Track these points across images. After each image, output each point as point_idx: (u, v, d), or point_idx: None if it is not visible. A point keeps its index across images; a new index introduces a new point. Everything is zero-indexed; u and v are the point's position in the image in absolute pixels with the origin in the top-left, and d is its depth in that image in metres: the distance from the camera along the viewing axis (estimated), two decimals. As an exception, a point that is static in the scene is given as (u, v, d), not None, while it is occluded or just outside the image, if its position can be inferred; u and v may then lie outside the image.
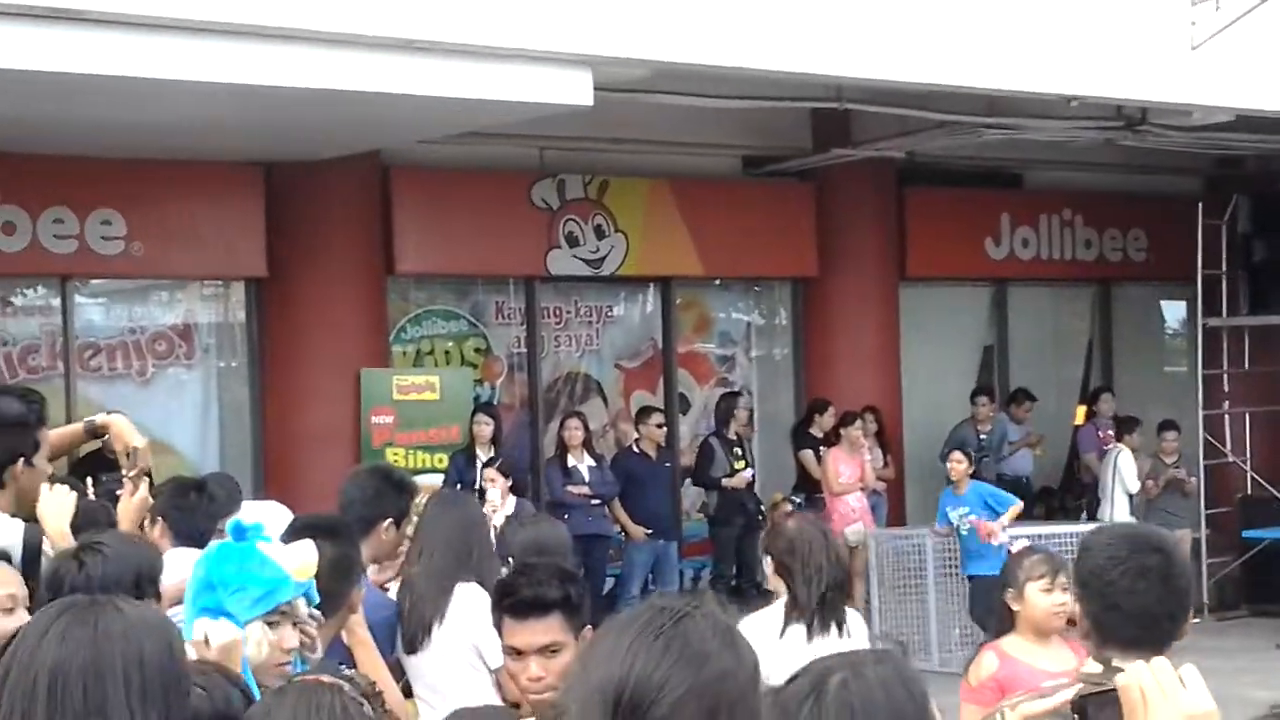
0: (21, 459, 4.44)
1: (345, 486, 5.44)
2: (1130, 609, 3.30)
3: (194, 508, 5.25)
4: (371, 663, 4.40)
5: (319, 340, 12.28)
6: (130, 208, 11.70)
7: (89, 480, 5.33)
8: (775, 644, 4.96)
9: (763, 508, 13.53)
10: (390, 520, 5.31)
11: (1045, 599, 5.31)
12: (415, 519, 5.63)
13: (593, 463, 12.82)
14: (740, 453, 13.59)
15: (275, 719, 2.52)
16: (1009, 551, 5.73)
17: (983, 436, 14.91)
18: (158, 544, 5.03)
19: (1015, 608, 5.36)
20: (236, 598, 3.42)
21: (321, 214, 12.12)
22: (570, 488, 12.55)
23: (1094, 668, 3.34)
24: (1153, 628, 3.32)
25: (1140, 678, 1.89)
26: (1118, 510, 14.07)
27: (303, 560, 3.53)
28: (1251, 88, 11.85)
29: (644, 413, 13.44)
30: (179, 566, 4.15)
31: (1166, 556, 3.37)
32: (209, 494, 5.36)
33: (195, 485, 5.48)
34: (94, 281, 12.37)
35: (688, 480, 14.11)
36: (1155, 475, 14.67)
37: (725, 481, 13.38)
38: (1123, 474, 14.24)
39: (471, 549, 5.46)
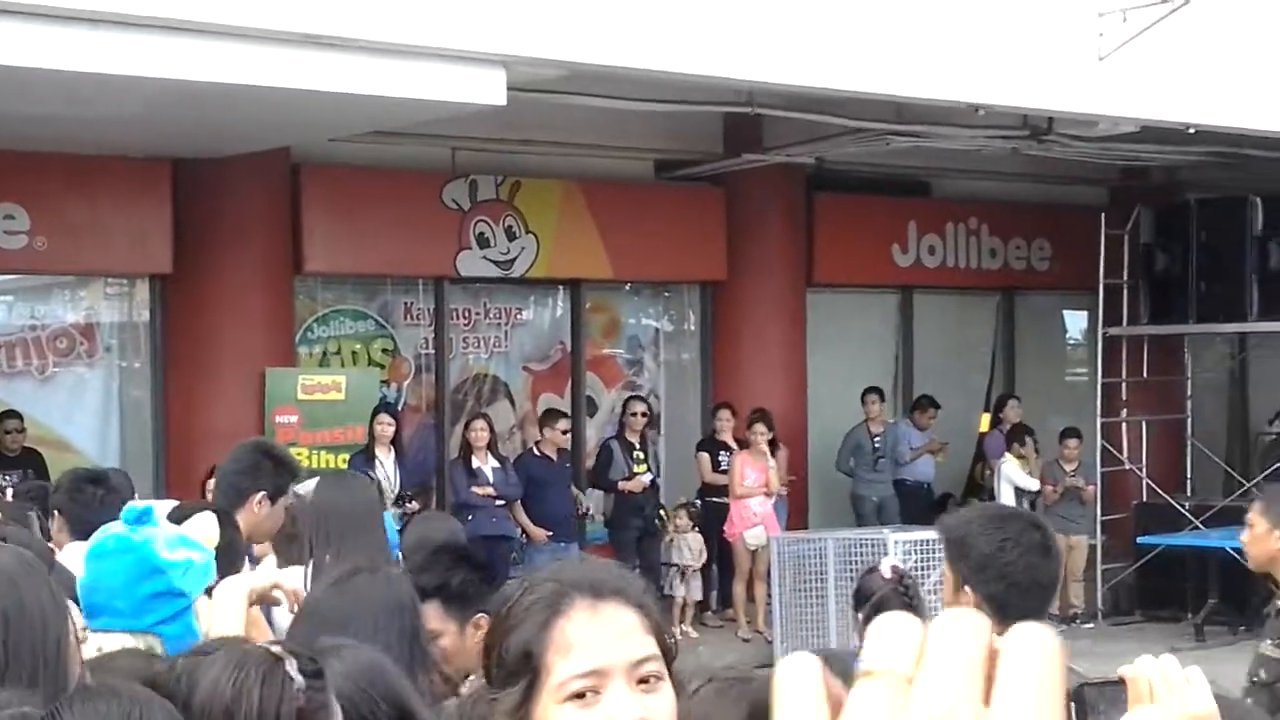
0: None
1: (225, 459, 5.32)
2: (1027, 583, 3.56)
3: (90, 501, 5.14)
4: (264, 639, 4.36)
5: (224, 339, 12.15)
6: (33, 202, 11.52)
7: None
8: None
9: (661, 513, 13.53)
10: (264, 494, 5.16)
11: None
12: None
13: (497, 464, 12.78)
14: (642, 456, 13.59)
15: (200, 678, 2.54)
16: (868, 570, 5.38)
17: (876, 440, 15.03)
18: (60, 535, 4.96)
19: None
20: (189, 576, 3.52)
21: (229, 211, 12.00)
22: (475, 489, 12.52)
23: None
24: (1042, 597, 3.63)
25: (1150, 671, 1.90)
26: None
27: (210, 531, 3.69)
28: (1157, 99, 12.02)
29: (549, 416, 13.40)
30: (76, 560, 4.09)
31: (1044, 530, 3.71)
32: (108, 485, 5.24)
33: (92, 478, 5.37)
34: (-6, 276, 12.18)
35: (588, 485, 14.12)
36: (1054, 481, 14.87)
37: (621, 484, 13.38)
38: (1012, 479, 14.45)
39: (377, 534, 5.18)
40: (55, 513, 5.27)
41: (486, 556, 11.88)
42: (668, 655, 2.14)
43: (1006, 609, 3.50)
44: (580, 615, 2.07)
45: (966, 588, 3.55)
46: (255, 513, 5.19)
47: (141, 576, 3.51)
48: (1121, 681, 1.92)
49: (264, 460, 5.29)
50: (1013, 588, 3.54)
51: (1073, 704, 1.92)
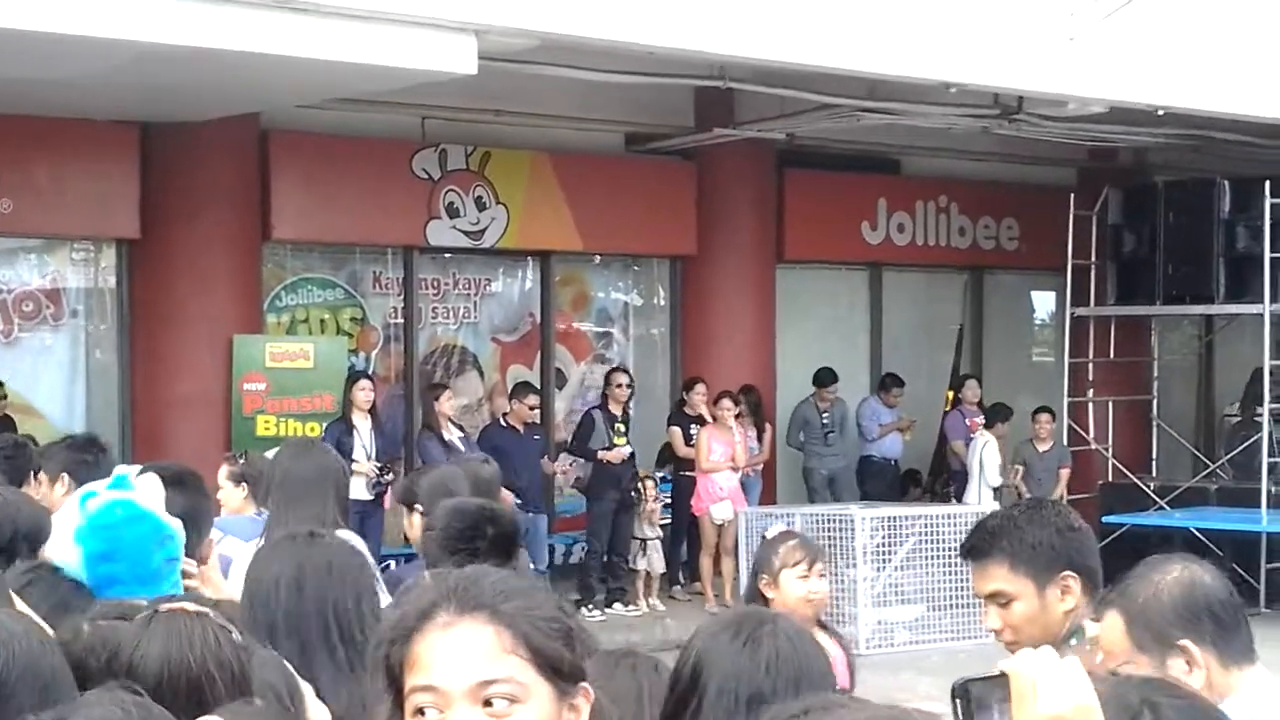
0: None
1: None
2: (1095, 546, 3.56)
3: (96, 464, 5.24)
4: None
5: (191, 305, 12.11)
6: (0, 164, 11.44)
7: None
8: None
9: (639, 485, 13.55)
10: None
11: (801, 586, 5.10)
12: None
13: (461, 434, 12.78)
14: (623, 429, 13.59)
15: (147, 651, 2.49)
16: (763, 535, 5.46)
17: (825, 415, 15.11)
18: (63, 500, 4.97)
19: (769, 595, 5.12)
20: (182, 542, 3.63)
21: (198, 176, 11.94)
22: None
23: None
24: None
25: (1030, 666, 1.87)
26: (983, 496, 14.33)
27: (157, 492, 3.71)
28: (1126, 80, 12.06)
29: (520, 389, 13.37)
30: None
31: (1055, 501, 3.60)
32: (100, 448, 5.38)
33: (90, 442, 5.48)
34: (-41, 239, 12.11)
35: (561, 454, 14.12)
36: (1025, 462, 14.97)
37: (601, 454, 13.37)
38: (985, 465, 14.48)
39: (328, 500, 5.26)
40: (64, 474, 5.31)
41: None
42: (555, 668, 2.06)
43: (1098, 578, 3.47)
44: (434, 633, 2.04)
45: (1069, 572, 3.42)
46: None
47: (157, 544, 3.53)
48: (1004, 675, 1.88)
49: None
50: (1096, 553, 3.48)
51: (957, 700, 1.89)
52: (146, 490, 3.69)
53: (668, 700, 2.69)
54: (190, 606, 2.64)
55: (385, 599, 3.80)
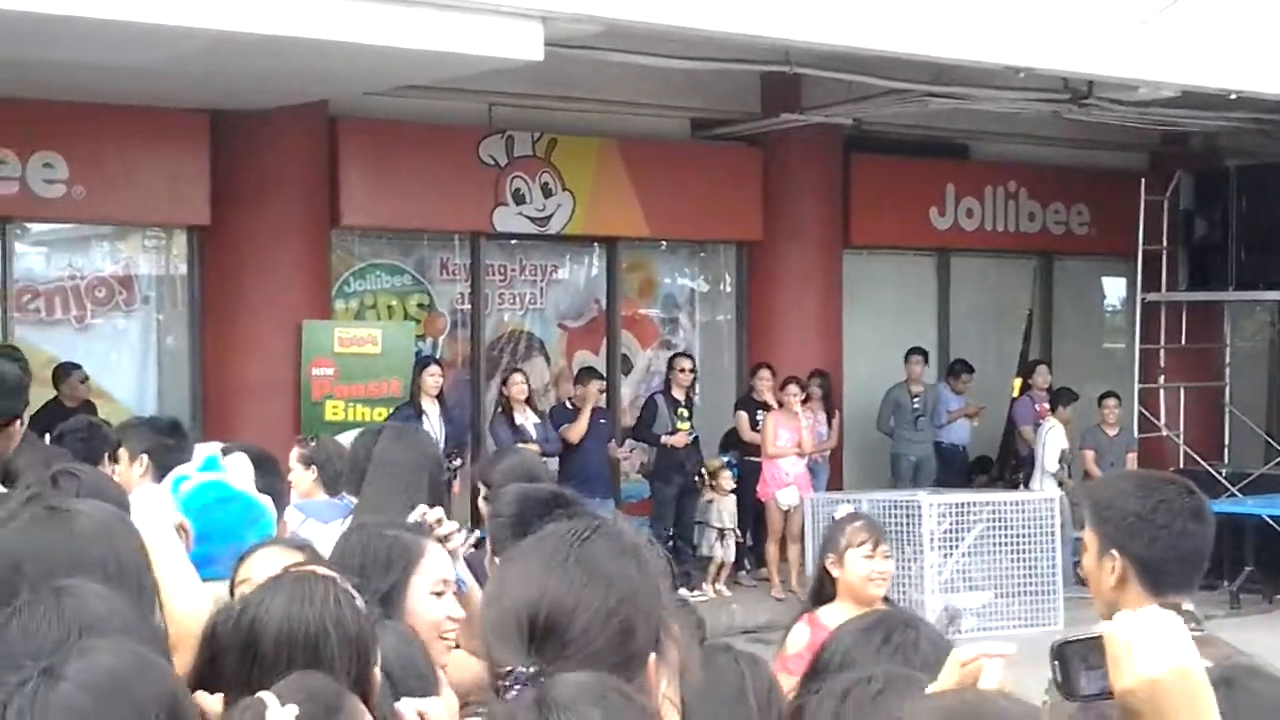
0: (17, 420, 4.37)
1: None
2: (1184, 549, 3.38)
3: (179, 449, 5.28)
4: None
5: (261, 291, 12.21)
6: (73, 151, 11.58)
7: (46, 435, 5.38)
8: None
9: (702, 470, 13.56)
10: None
11: (865, 565, 5.30)
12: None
13: (536, 419, 12.82)
14: (686, 414, 13.59)
15: (271, 606, 2.55)
16: (832, 518, 5.72)
17: (915, 400, 15.03)
18: (141, 480, 5.03)
19: (835, 573, 5.33)
20: (274, 518, 3.75)
21: (266, 164, 12.04)
22: (521, 445, 12.51)
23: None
24: (1196, 565, 3.42)
25: (1127, 629, 1.85)
26: (1046, 482, 14.24)
27: (247, 471, 3.71)
28: (1198, 64, 11.93)
29: (584, 375, 13.41)
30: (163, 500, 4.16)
31: (1196, 495, 3.47)
32: (183, 434, 5.41)
33: (174, 426, 5.52)
34: (34, 227, 12.25)
35: (626, 440, 14.15)
36: (1096, 445, 14.85)
37: (664, 438, 13.40)
38: (1046, 450, 14.38)
39: (422, 487, 5.32)
40: (144, 455, 5.35)
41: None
42: None
43: (1160, 575, 3.38)
44: None
45: (1114, 552, 3.37)
46: None
47: (249, 522, 3.59)
48: (1101, 637, 1.87)
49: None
50: (1168, 551, 3.37)
51: (1055, 662, 1.87)
52: (236, 470, 3.74)
53: (804, 693, 2.69)
54: (321, 571, 2.70)
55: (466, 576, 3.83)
